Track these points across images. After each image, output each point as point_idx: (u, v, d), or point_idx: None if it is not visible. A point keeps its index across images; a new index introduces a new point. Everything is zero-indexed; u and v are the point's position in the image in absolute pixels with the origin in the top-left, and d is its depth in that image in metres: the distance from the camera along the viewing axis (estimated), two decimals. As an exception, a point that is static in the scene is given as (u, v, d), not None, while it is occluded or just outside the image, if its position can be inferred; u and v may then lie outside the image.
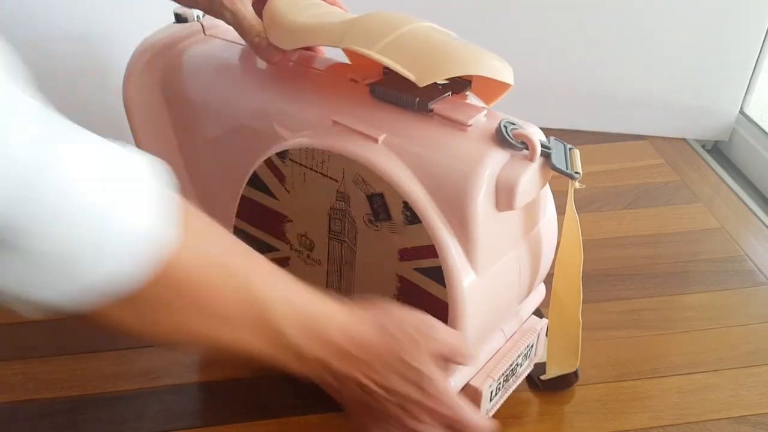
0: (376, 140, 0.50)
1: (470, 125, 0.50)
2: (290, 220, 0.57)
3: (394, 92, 0.53)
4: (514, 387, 0.61)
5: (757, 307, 0.75)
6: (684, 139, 1.06)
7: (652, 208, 0.91)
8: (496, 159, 0.49)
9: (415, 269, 0.51)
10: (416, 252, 0.50)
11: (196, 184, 0.69)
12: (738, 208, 0.91)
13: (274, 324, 0.42)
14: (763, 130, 1.01)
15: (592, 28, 1.01)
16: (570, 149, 0.53)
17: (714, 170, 0.99)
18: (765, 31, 0.98)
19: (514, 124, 0.50)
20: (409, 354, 0.46)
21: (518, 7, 1.00)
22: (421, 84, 0.49)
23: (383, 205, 0.50)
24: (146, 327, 0.39)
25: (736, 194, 0.94)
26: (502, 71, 0.51)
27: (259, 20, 0.56)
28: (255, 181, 0.57)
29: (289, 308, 0.43)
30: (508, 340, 0.59)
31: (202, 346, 0.48)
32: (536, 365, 0.65)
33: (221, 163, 0.66)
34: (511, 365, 0.57)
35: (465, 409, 0.48)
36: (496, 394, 0.58)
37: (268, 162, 0.55)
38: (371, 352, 0.46)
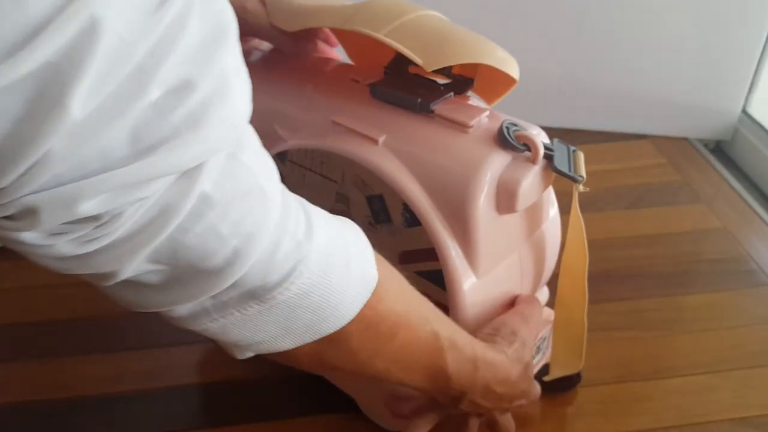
0: (376, 141, 0.50)
1: (472, 126, 0.49)
2: None
3: (395, 93, 0.52)
4: None
5: (759, 307, 0.75)
6: (686, 139, 1.06)
7: (653, 208, 0.91)
8: (498, 161, 0.48)
9: (416, 272, 0.51)
10: (416, 255, 0.50)
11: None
12: (740, 208, 0.91)
13: (445, 367, 0.45)
14: (766, 130, 1.00)
15: (594, 26, 1.00)
16: (574, 151, 0.52)
17: (716, 170, 0.99)
18: (768, 30, 0.97)
19: (516, 125, 0.50)
20: (530, 381, 0.54)
21: (518, 6, 1.00)
22: (428, 68, 0.48)
23: (383, 208, 0.50)
24: (340, 364, 0.41)
25: (739, 194, 0.94)
26: (508, 63, 0.50)
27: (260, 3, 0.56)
28: None
29: (458, 354, 0.45)
30: None
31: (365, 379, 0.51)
32: (539, 366, 0.65)
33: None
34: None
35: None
36: None
37: None
38: (507, 386, 0.50)
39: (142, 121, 0.26)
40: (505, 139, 0.48)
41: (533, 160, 0.48)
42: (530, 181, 0.48)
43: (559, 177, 0.51)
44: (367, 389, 0.60)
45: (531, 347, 0.53)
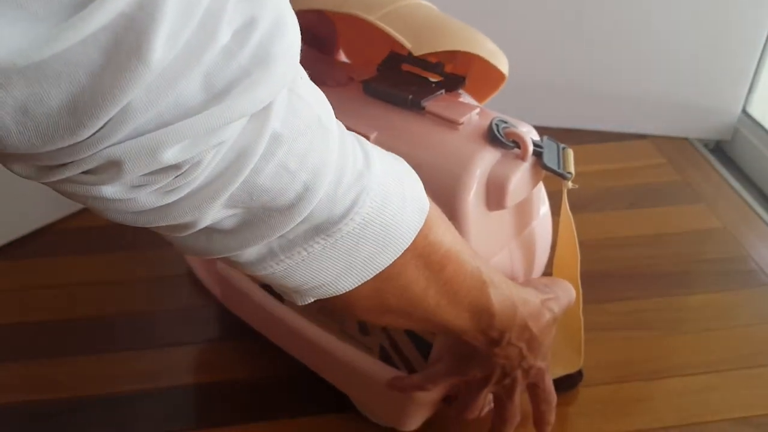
0: (367, 138, 0.50)
1: (462, 123, 0.50)
2: None
3: (387, 90, 0.53)
4: None
5: (759, 307, 0.75)
6: (686, 139, 1.06)
7: (653, 208, 0.91)
8: (487, 158, 0.48)
9: None
10: None
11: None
12: (740, 208, 0.91)
13: (489, 303, 0.45)
14: (766, 130, 1.00)
15: (593, 26, 1.00)
16: (563, 149, 0.52)
17: (716, 170, 0.99)
18: (768, 30, 0.97)
19: (506, 122, 0.50)
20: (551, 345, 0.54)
21: (518, 5, 1.00)
22: (416, 53, 0.48)
23: None
24: (394, 301, 0.41)
25: (739, 194, 0.93)
26: (498, 56, 0.51)
27: None
28: None
29: (498, 291, 0.46)
30: None
31: (411, 325, 0.50)
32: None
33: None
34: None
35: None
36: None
37: None
38: (539, 326, 0.50)
39: (214, 66, 0.26)
40: (495, 136, 0.49)
41: (522, 157, 0.49)
42: (519, 177, 0.48)
43: (551, 176, 0.51)
44: (361, 385, 0.60)
45: (562, 305, 0.53)
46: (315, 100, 0.33)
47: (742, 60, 1.00)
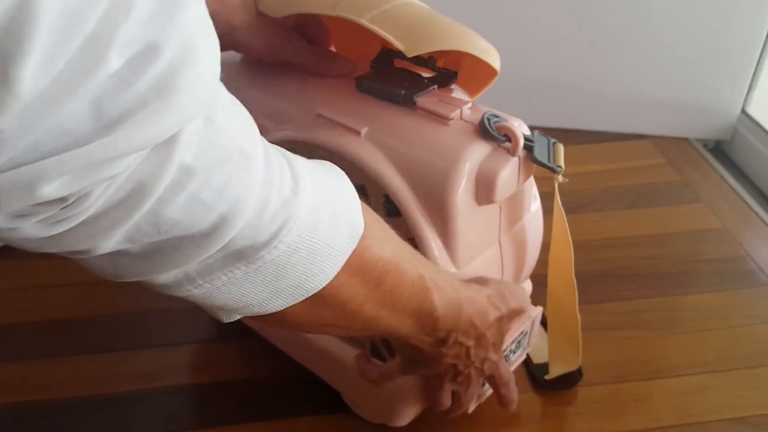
0: (358, 133, 0.51)
1: (452, 118, 0.50)
2: None
3: (379, 86, 0.53)
4: None
5: (758, 307, 0.75)
6: (685, 139, 1.06)
7: (653, 208, 0.91)
8: (477, 152, 0.49)
9: None
10: None
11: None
12: (740, 208, 0.91)
13: (432, 307, 0.44)
14: (765, 130, 1.00)
15: (593, 26, 1.00)
16: (554, 143, 0.52)
17: (716, 170, 0.99)
18: (767, 30, 0.97)
19: (497, 117, 0.50)
20: (504, 329, 0.53)
21: (518, 6, 1.00)
22: (409, 54, 0.48)
23: (364, 198, 0.50)
24: (331, 317, 0.40)
25: (738, 194, 0.93)
26: (490, 53, 0.51)
27: None
28: None
29: (442, 294, 0.45)
30: None
31: (354, 334, 0.50)
32: (539, 366, 0.65)
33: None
34: (503, 351, 0.57)
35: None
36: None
37: None
38: (486, 323, 0.50)
39: (104, 93, 0.24)
40: (486, 130, 0.49)
41: (513, 151, 0.49)
42: (509, 171, 0.48)
43: (546, 177, 0.51)
44: (352, 383, 0.60)
45: (511, 306, 0.52)
46: (238, 128, 0.31)
47: (742, 60, 1.00)
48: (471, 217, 0.49)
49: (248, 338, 0.68)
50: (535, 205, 0.58)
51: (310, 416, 0.63)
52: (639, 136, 1.06)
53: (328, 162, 0.40)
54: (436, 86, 0.53)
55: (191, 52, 0.26)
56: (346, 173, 0.40)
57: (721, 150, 1.07)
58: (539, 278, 0.62)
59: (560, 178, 0.51)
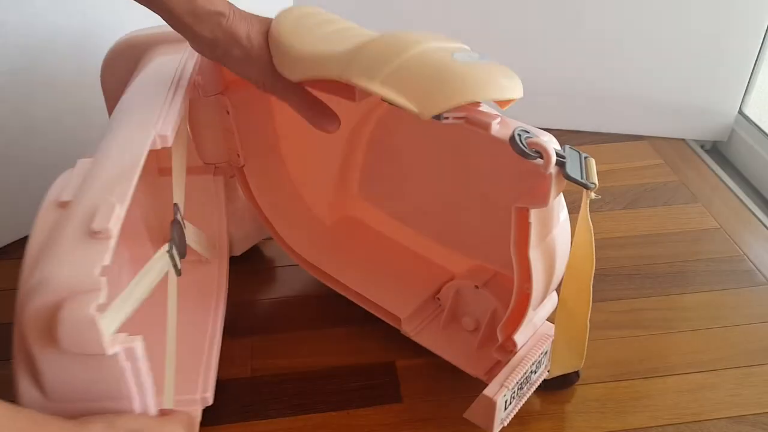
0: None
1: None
2: None
3: None
4: (528, 395, 0.60)
5: (755, 307, 0.75)
6: (683, 140, 1.06)
7: (650, 208, 0.91)
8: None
9: None
10: None
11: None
12: (737, 208, 0.91)
13: None
14: (762, 131, 1.01)
15: (592, 28, 1.01)
16: (586, 158, 0.51)
17: (713, 170, 0.99)
18: (764, 32, 0.98)
19: (528, 132, 0.49)
20: None
21: (518, 7, 1.01)
22: (424, 118, 0.47)
23: None
24: None
25: (735, 194, 0.94)
26: (509, 89, 0.49)
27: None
28: None
29: None
30: (521, 348, 0.58)
31: None
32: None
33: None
34: (525, 373, 0.57)
35: None
36: (510, 403, 0.57)
37: None
38: None
39: None
40: (518, 147, 0.47)
41: (545, 168, 0.47)
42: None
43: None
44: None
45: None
46: None
47: (739, 62, 1.00)
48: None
49: (249, 337, 0.68)
50: (563, 216, 0.56)
51: (314, 415, 0.63)
52: (637, 137, 1.07)
53: None
54: None
55: None
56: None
57: (718, 151, 1.08)
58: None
59: (593, 194, 0.50)
